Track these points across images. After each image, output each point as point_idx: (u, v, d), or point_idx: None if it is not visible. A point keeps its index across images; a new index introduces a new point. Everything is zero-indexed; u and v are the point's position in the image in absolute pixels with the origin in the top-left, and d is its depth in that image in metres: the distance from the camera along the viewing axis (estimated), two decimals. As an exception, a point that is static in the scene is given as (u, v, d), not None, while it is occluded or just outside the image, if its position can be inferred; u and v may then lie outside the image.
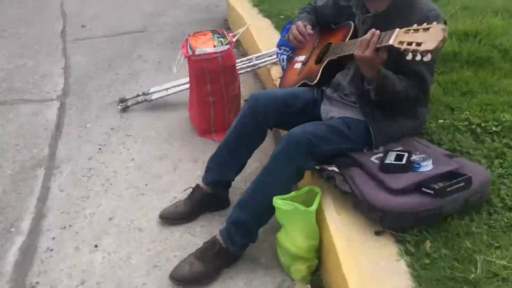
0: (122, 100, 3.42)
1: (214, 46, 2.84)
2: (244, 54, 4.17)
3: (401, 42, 1.63)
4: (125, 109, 3.39)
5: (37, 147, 3.00)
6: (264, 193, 2.04)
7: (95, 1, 5.67)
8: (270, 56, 3.38)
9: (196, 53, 2.78)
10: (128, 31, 4.84)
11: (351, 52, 1.96)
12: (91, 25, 4.97)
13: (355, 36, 2.12)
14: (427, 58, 1.56)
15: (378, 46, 1.75)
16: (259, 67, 3.41)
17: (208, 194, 2.37)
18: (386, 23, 1.99)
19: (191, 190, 2.42)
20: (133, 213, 2.44)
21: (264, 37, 3.84)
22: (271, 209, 2.02)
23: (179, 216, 2.37)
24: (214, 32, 2.98)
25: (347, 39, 2.14)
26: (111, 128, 3.19)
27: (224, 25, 4.92)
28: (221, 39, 2.91)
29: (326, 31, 2.37)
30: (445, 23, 1.99)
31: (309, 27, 2.27)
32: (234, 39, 2.94)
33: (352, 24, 2.17)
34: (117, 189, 2.61)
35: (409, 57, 1.60)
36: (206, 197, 2.37)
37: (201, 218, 2.39)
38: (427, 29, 1.57)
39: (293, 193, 2.03)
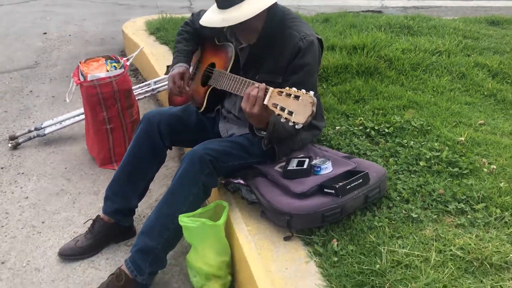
0: (12, 138, 3.16)
1: (107, 71, 2.73)
2: (144, 81, 4.07)
3: (275, 105, 1.63)
4: (16, 147, 3.13)
5: None
6: (170, 215, 1.94)
7: (-22, 40, 5.29)
8: (169, 80, 3.33)
9: (88, 79, 2.65)
10: (17, 67, 4.54)
11: (234, 93, 1.95)
12: (-25, 64, 4.61)
13: (236, 62, 2.10)
14: (299, 126, 1.58)
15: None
16: (158, 91, 3.34)
17: (110, 224, 2.22)
18: (262, 52, 2.03)
19: (91, 222, 2.26)
20: (29, 254, 2.22)
21: (162, 63, 3.79)
22: (179, 231, 1.94)
23: (80, 251, 2.19)
24: (106, 57, 2.88)
25: (229, 68, 2.08)
26: (1, 168, 2.92)
27: (121, 56, 4.80)
28: (114, 64, 2.81)
29: (210, 47, 2.31)
30: (320, 43, 2.06)
31: (186, 77, 2.18)
32: (128, 63, 2.86)
33: (234, 51, 2.11)
34: (10, 230, 2.37)
35: (283, 120, 1.61)
36: (108, 227, 2.22)
37: (106, 250, 2.24)
38: (298, 97, 1.57)
39: (199, 210, 1.97)
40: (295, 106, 1.58)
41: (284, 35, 1.98)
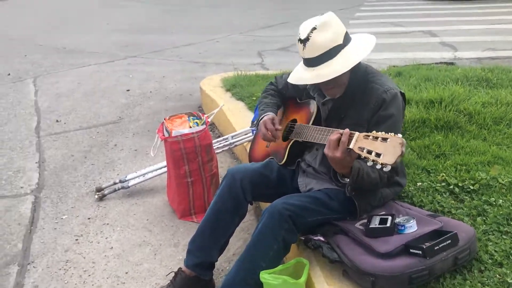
0: (99, 189, 3.36)
1: (190, 127, 2.87)
2: (220, 136, 4.22)
3: (361, 148, 1.63)
4: (102, 198, 3.32)
5: (10, 243, 2.87)
6: (250, 270, 1.97)
7: (68, 96, 5.74)
8: (245, 134, 3.44)
9: (173, 134, 2.80)
10: (103, 122, 4.88)
11: (316, 142, 2.00)
12: (66, 119, 5.00)
13: (318, 116, 2.17)
14: (387, 169, 1.54)
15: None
16: (235, 145, 3.45)
17: (191, 277, 2.27)
18: (345, 105, 2.07)
19: (173, 274, 2.32)
20: (114, 304, 2.31)
21: (238, 118, 3.92)
22: (259, 287, 1.94)
23: (162, 303, 2.24)
24: (189, 114, 3.04)
25: (311, 121, 2.15)
26: (88, 218, 3.10)
27: (199, 112, 5.03)
28: (196, 120, 2.96)
29: (291, 105, 2.42)
30: (403, 96, 2.07)
31: (276, 121, 2.27)
32: (209, 119, 2.99)
33: (316, 105, 2.19)
34: (96, 280, 2.49)
35: (370, 163, 1.60)
36: (189, 280, 2.27)
37: (186, 303, 2.28)
38: (386, 139, 1.56)
39: (280, 267, 1.97)
40: (383, 148, 1.56)
41: (367, 88, 2.03)
